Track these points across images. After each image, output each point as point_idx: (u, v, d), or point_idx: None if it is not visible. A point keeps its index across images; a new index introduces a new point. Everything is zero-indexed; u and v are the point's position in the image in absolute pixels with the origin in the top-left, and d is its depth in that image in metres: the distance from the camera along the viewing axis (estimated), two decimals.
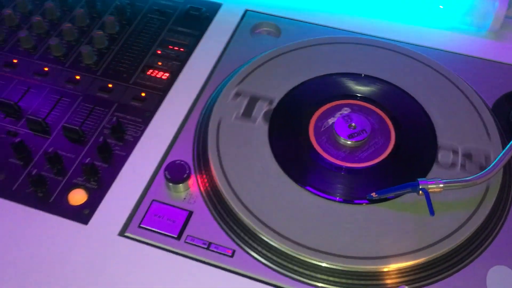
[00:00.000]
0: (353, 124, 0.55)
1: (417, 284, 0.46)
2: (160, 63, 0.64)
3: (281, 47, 0.64)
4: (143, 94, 0.61)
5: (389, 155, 0.54)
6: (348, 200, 0.51)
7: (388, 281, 0.46)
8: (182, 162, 0.53)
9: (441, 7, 0.67)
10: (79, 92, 0.62)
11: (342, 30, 0.68)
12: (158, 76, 0.63)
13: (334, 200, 0.51)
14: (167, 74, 0.63)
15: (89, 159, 0.54)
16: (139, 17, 0.70)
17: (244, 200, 0.50)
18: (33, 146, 0.57)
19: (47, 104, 0.61)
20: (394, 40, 0.66)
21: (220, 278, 0.47)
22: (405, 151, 0.54)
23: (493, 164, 0.49)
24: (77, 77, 0.63)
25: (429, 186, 0.48)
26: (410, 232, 0.48)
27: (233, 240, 0.49)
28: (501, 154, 0.50)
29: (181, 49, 0.66)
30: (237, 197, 0.50)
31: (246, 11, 0.70)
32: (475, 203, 0.50)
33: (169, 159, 0.55)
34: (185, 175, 0.52)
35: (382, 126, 0.56)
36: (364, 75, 0.61)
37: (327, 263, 0.46)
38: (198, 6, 0.71)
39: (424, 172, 0.52)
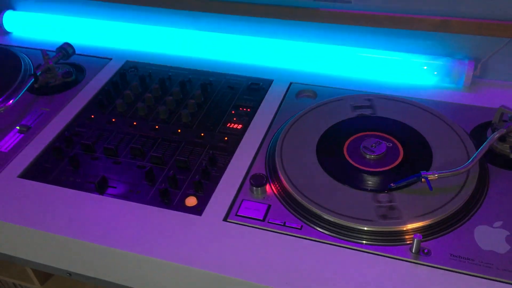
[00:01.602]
0: (373, 144, 0.77)
1: (428, 238, 0.66)
2: (235, 119, 0.89)
3: (312, 105, 0.88)
4: (226, 138, 0.85)
5: (399, 163, 0.75)
6: (373, 190, 0.72)
7: (407, 236, 0.66)
8: (261, 174, 0.75)
9: (425, 67, 0.91)
10: (182, 140, 0.86)
11: (357, 90, 0.92)
12: (234, 127, 0.87)
13: (367, 191, 0.72)
14: (240, 125, 0.87)
15: (197, 176, 0.77)
16: (217, 91, 0.95)
17: (305, 194, 0.71)
18: (156, 172, 0.80)
19: (160, 148, 0.84)
20: (400, 96, 0.90)
21: (293, 243, 0.67)
22: (410, 159, 0.76)
23: (470, 160, 0.70)
24: (179, 131, 0.87)
25: (428, 176, 0.69)
26: (420, 204, 0.69)
27: (300, 219, 0.70)
28: (476, 153, 0.71)
29: (248, 110, 0.91)
30: (300, 192, 0.72)
31: (291, 83, 0.96)
32: (463, 185, 0.70)
33: (251, 173, 0.77)
34: (264, 181, 0.74)
35: (393, 145, 0.78)
36: (377, 116, 0.84)
37: (352, 224, 0.67)
38: (257, 82, 0.96)
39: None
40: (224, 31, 1.05)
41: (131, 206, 0.74)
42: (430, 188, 0.68)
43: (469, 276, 0.62)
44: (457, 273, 0.62)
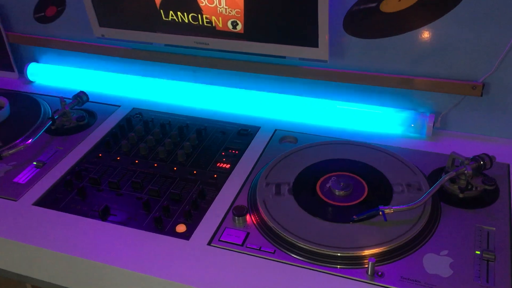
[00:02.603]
0: (342, 183, 0.87)
1: (383, 262, 0.75)
2: (224, 159, 0.99)
3: (292, 149, 0.99)
4: (215, 176, 0.95)
5: (364, 198, 0.85)
6: (340, 221, 0.81)
7: (365, 261, 0.75)
8: (242, 206, 0.85)
9: (412, 125, 1.02)
10: (177, 176, 0.96)
11: (333, 137, 1.03)
12: (223, 166, 0.98)
13: (334, 222, 0.81)
14: (228, 165, 0.98)
15: (187, 207, 0.87)
16: (210, 135, 1.07)
17: (279, 223, 0.81)
18: (152, 203, 0.90)
19: (157, 183, 0.95)
20: (369, 143, 1.01)
21: (267, 265, 0.76)
22: (373, 196, 0.86)
23: (422, 197, 0.80)
24: (175, 168, 0.98)
25: (385, 209, 0.78)
26: (377, 235, 0.78)
27: (273, 245, 0.79)
28: (427, 191, 0.81)
29: (236, 152, 1.02)
30: (274, 221, 0.81)
31: (275, 130, 1.07)
32: (417, 218, 0.80)
33: (234, 205, 0.87)
34: (244, 212, 0.84)
35: (359, 183, 0.88)
36: (346, 159, 0.95)
37: (319, 249, 0.76)
38: (246, 128, 1.08)
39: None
40: (219, 84, 1.17)
41: (128, 231, 0.84)
42: (385, 219, 0.77)
43: None
44: None
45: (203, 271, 0.76)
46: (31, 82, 1.34)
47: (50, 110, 1.19)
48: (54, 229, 0.86)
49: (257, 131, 1.08)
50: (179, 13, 1.04)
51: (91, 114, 1.17)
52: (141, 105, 1.20)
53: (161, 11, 1.05)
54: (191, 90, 1.19)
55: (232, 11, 1.00)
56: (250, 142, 1.04)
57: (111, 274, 0.80)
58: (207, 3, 1.00)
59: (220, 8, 1.00)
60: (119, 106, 1.20)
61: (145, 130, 1.10)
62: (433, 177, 0.91)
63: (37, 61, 1.35)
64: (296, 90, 1.12)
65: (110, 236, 0.84)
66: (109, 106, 1.20)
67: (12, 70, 1.35)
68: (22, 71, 1.34)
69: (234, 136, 1.07)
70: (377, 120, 1.05)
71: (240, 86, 1.16)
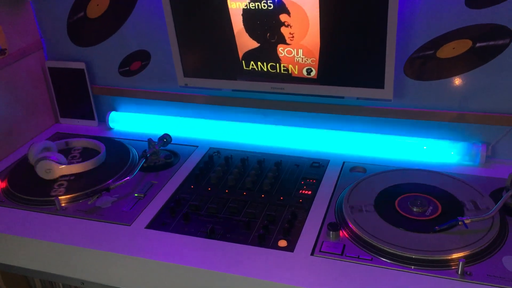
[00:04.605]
0: (418, 202, 1.00)
1: (469, 264, 0.86)
2: (305, 187, 1.13)
3: (368, 175, 1.13)
4: (300, 200, 1.08)
5: (439, 214, 0.98)
6: (422, 232, 0.94)
7: (452, 263, 0.87)
8: (335, 222, 0.98)
9: (452, 152, 1.17)
10: (266, 202, 1.09)
11: (397, 167, 1.17)
12: (305, 192, 1.11)
13: (414, 231, 0.94)
14: (310, 192, 1.11)
15: (286, 225, 0.99)
16: (286, 168, 1.21)
17: (372, 235, 0.93)
18: (251, 224, 1.02)
19: (250, 208, 1.07)
20: (431, 170, 1.15)
21: (364, 270, 0.88)
22: (447, 212, 0.99)
23: (493, 209, 0.93)
24: (263, 196, 1.11)
25: (464, 219, 0.91)
26: (456, 242, 0.90)
27: (369, 253, 0.91)
28: (497, 205, 0.94)
29: (314, 181, 1.15)
30: (368, 234, 0.94)
31: (344, 162, 1.21)
32: (488, 229, 0.92)
33: (325, 223, 0.99)
34: (338, 227, 0.96)
35: (432, 202, 1.01)
36: (415, 183, 1.08)
37: (413, 255, 0.88)
38: (317, 161, 1.22)
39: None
40: (285, 124, 1.32)
41: (236, 246, 0.96)
42: (466, 227, 0.90)
43: None
44: (494, 287, 0.82)
45: (313, 276, 0.87)
46: (110, 128, 1.48)
47: (136, 152, 1.33)
48: (170, 246, 0.97)
49: (328, 163, 1.21)
50: (259, 63, 1.21)
51: (174, 154, 1.31)
52: (216, 145, 1.34)
53: (243, 62, 1.22)
54: (259, 130, 1.33)
55: (308, 60, 1.16)
56: (324, 172, 1.18)
57: (228, 281, 0.91)
58: (285, 54, 1.17)
59: (298, 57, 1.17)
60: (197, 146, 1.34)
61: (227, 164, 1.24)
62: (493, 197, 1.04)
63: (115, 109, 1.50)
64: (359, 127, 1.26)
65: (220, 251, 0.95)
66: (187, 146, 1.35)
67: (93, 118, 1.50)
68: (100, 119, 1.49)
69: (308, 168, 1.20)
70: (433, 151, 1.19)
71: (307, 126, 1.31)
